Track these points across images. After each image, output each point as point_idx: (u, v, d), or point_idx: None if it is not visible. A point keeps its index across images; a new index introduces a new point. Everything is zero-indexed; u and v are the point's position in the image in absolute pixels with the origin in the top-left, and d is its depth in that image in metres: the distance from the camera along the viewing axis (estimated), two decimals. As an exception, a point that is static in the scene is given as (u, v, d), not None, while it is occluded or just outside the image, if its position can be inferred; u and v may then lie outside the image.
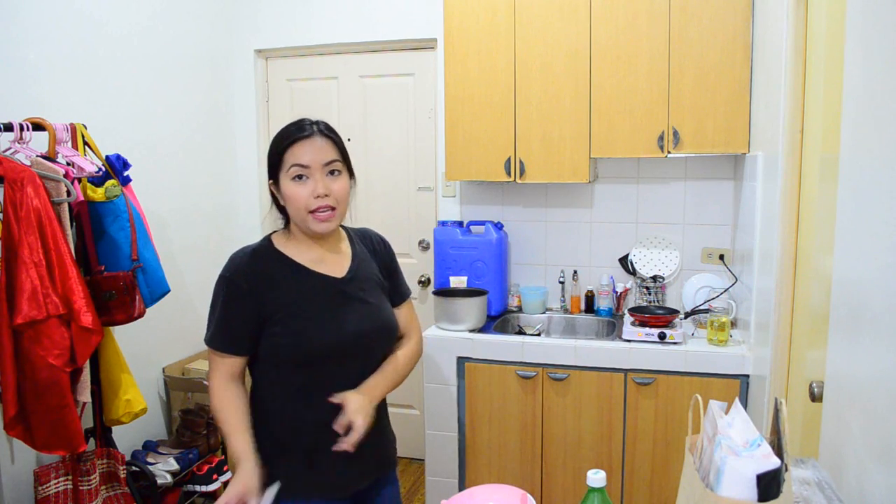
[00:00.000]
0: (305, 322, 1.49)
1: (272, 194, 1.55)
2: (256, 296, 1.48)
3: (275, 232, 1.60)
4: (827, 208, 1.60)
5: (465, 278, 3.06)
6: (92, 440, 2.50)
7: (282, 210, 1.57)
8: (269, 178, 1.53)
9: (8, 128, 2.19)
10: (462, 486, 2.84)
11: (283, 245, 1.56)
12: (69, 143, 2.35)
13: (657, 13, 2.68)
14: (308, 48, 3.55)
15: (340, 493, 1.57)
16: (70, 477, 2.36)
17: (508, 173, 2.93)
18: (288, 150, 1.48)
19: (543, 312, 3.13)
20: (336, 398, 1.49)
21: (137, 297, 2.39)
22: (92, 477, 2.38)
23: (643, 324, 2.68)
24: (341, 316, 1.53)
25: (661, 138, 2.72)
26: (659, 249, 3.09)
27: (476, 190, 3.31)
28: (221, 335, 1.51)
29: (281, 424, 1.52)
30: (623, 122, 2.76)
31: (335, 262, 1.59)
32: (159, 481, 2.64)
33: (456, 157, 2.99)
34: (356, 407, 1.48)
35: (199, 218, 3.39)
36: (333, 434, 1.47)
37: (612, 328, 2.95)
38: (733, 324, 2.71)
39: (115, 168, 2.47)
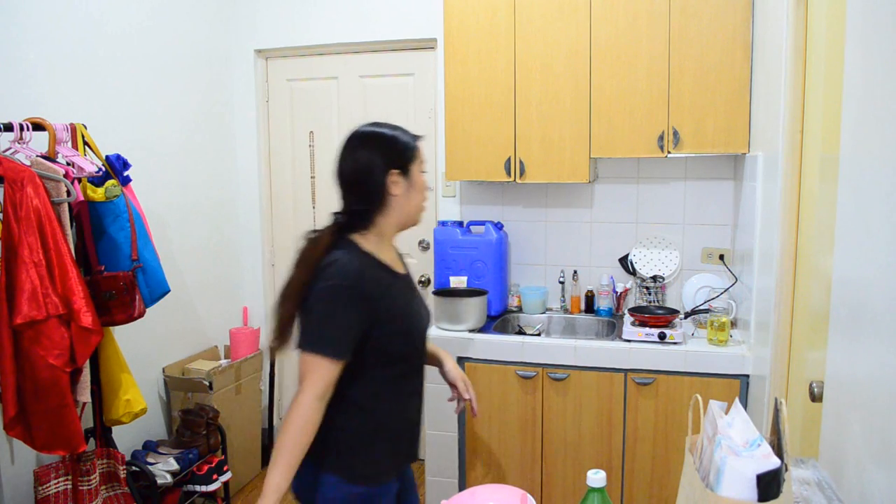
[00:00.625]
0: (407, 321, 1.61)
1: (385, 186, 1.55)
2: (371, 302, 1.50)
3: (350, 235, 1.57)
4: (827, 208, 1.60)
5: (465, 278, 3.06)
6: (92, 440, 2.50)
7: (373, 207, 1.56)
8: (396, 168, 1.55)
9: (8, 128, 2.19)
10: (462, 486, 2.84)
11: (372, 248, 1.58)
12: (69, 143, 2.35)
13: (657, 13, 2.68)
14: (308, 48, 3.55)
15: (404, 468, 1.73)
16: (70, 477, 2.36)
17: (508, 173, 2.93)
18: (418, 148, 1.62)
19: (543, 312, 3.13)
20: (453, 378, 1.83)
21: (137, 297, 2.39)
22: (92, 477, 2.38)
23: (643, 324, 2.68)
24: (420, 310, 1.69)
25: (661, 138, 2.72)
26: (659, 249, 3.09)
27: (476, 190, 3.31)
28: (341, 343, 1.49)
29: (372, 418, 1.59)
30: (623, 122, 2.76)
31: (396, 260, 1.69)
32: (159, 481, 2.64)
33: (456, 157, 2.99)
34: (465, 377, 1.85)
35: (198, 218, 3.39)
36: (410, 418, 1.68)
37: (612, 328, 2.95)
38: (733, 324, 2.71)
39: (115, 168, 2.47)
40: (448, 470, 2.85)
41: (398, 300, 1.59)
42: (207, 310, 3.45)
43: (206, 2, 3.42)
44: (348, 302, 1.48)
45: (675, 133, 2.70)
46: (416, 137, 1.62)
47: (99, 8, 2.77)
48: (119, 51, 2.87)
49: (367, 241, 1.57)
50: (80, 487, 2.36)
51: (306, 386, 1.48)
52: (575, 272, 3.16)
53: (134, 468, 2.62)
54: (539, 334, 2.89)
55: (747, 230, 2.57)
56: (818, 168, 1.86)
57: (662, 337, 2.58)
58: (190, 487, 2.82)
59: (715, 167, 2.99)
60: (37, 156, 2.20)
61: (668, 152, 2.72)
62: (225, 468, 2.96)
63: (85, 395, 2.21)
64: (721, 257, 3.00)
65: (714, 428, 1.08)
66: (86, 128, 2.44)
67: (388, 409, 1.61)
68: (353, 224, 1.57)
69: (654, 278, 3.00)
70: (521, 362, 2.71)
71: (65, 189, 2.18)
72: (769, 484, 0.99)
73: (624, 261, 3.09)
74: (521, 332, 2.95)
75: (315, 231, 1.60)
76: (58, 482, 2.34)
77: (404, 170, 1.56)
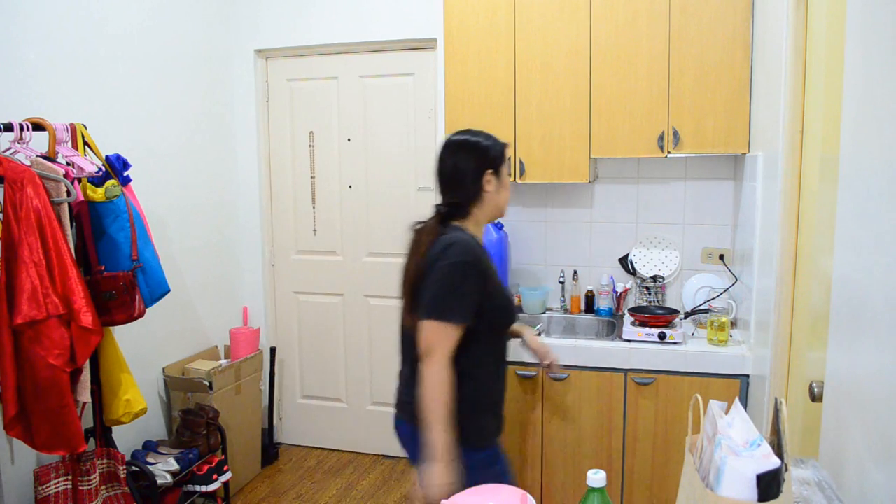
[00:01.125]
0: (506, 296, 1.85)
1: (481, 184, 1.80)
2: (485, 277, 1.75)
3: (453, 222, 1.81)
4: (827, 208, 1.60)
5: (465, 278, 3.06)
6: (92, 440, 2.50)
7: (470, 200, 1.81)
8: (489, 168, 1.81)
9: (8, 128, 2.19)
10: (462, 486, 2.83)
11: (474, 233, 1.83)
12: (69, 143, 2.35)
13: (657, 13, 2.68)
14: (308, 48, 3.55)
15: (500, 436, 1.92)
16: (70, 477, 2.36)
17: (508, 173, 2.92)
18: (507, 153, 1.88)
19: (543, 312, 3.13)
20: (535, 346, 2.22)
21: (137, 297, 2.39)
22: (92, 477, 2.38)
23: (643, 324, 2.68)
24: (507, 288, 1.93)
25: (661, 138, 2.72)
26: (659, 249, 3.09)
27: (476, 190, 3.31)
28: (465, 310, 1.70)
29: (478, 387, 1.79)
30: (623, 122, 2.76)
31: None
32: (159, 481, 2.64)
33: (456, 157, 2.99)
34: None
35: (198, 218, 3.39)
36: (502, 388, 1.89)
37: (612, 328, 2.95)
38: (733, 324, 2.71)
39: (115, 168, 2.47)
40: (448, 470, 2.85)
41: (496, 278, 1.82)
42: (207, 310, 3.45)
43: (206, 2, 3.42)
44: (471, 276, 1.70)
45: (675, 133, 2.70)
46: (504, 144, 1.87)
47: (99, 8, 2.77)
48: (119, 51, 2.87)
49: (466, 227, 1.82)
50: (80, 487, 2.36)
51: (437, 352, 1.67)
52: (575, 272, 3.16)
53: (134, 468, 2.62)
54: (539, 334, 2.89)
55: (747, 230, 2.57)
56: (818, 168, 1.86)
57: (662, 337, 2.58)
58: (190, 487, 2.82)
59: (715, 167, 2.99)
60: (37, 156, 2.20)
61: (668, 152, 2.72)
62: (225, 468, 2.96)
63: (85, 395, 2.21)
64: (721, 257, 3.00)
65: (714, 428, 1.08)
66: (86, 128, 2.44)
67: (489, 379, 1.83)
68: (453, 214, 1.81)
69: (654, 278, 3.00)
70: (521, 362, 2.70)
71: (65, 189, 2.18)
72: (769, 484, 0.99)
73: (624, 261, 3.09)
74: (521, 332, 2.94)
75: (420, 222, 1.83)
76: (58, 482, 2.34)
77: (496, 171, 1.82)
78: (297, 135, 3.66)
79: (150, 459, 2.74)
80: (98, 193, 2.34)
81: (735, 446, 1.04)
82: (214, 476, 2.88)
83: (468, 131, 1.87)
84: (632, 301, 3.09)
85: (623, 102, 2.75)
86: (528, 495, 1.17)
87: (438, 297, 1.68)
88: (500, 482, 1.57)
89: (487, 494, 1.22)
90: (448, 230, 1.77)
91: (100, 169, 2.37)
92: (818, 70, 1.86)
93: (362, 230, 3.60)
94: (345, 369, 3.73)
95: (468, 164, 1.80)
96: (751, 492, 0.99)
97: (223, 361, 3.31)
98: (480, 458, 1.77)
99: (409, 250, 1.80)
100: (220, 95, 3.55)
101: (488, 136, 1.85)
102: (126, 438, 2.78)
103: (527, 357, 2.68)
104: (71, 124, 2.38)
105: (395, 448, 3.72)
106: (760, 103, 2.47)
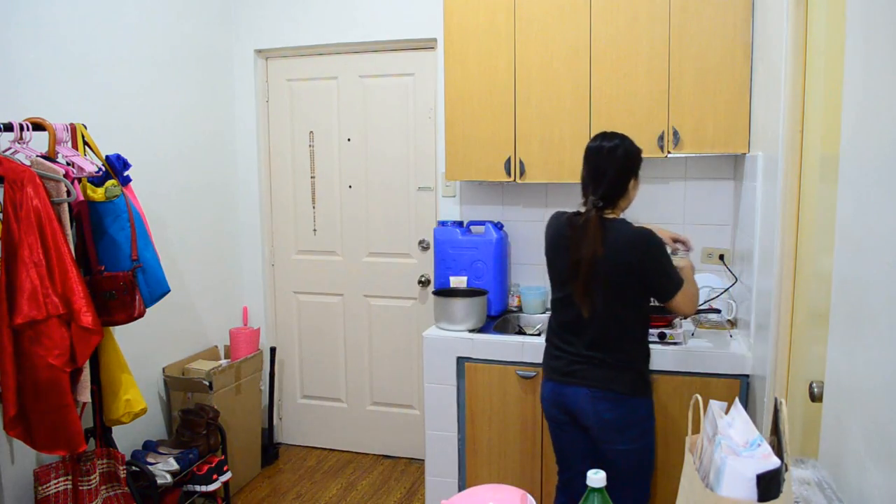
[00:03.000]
0: None
1: (629, 183, 2.16)
2: None
3: (605, 213, 2.12)
4: (827, 208, 1.60)
5: (465, 278, 3.06)
6: (92, 440, 2.50)
7: (620, 196, 2.15)
8: (638, 171, 2.18)
9: (8, 128, 2.19)
10: (462, 486, 2.84)
11: None
12: (69, 143, 2.35)
13: (657, 13, 2.68)
14: (308, 48, 3.55)
15: None
16: (70, 477, 2.36)
17: (508, 173, 2.92)
18: None
19: (543, 312, 3.13)
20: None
21: (137, 297, 2.39)
22: (92, 477, 2.38)
23: (643, 324, 2.67)
24: None
25: (661, 138, 2.72)
26: (659, 249, 3.09)
27: (476, 190, 3.31)
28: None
29: (646, 344, 2.23)
30: (623, 122, 2.76)
31: None
32: (159, 481, 2.65)
33: (456, 157, 2.99)
34: None
35: (199, 218, 3.39)
36: None
37: (612, 328, 2.94)
38: (733, 324, 2.71)
39: (115, 168, 2.47)
40: (448, 470, 2.85)
41: None
42: (207, 310, 3.46)
43: (206, 2, 3.42)
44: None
45: (675, 133, 2.70)
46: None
47: (99, 8, 2.77)
48: (119, 51, 2.87)
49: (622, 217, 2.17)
50: (80, 487, 2.36)
51: (691, 307, 2.21)
52: (575, 272, 3.15)
53: (134, 468, 2.62)
54: (539, 334, 2.89)
55: (747, 230, 2.57)
56: (818, 168, 1.86)
57: (662, 337, 2.58)
58: (190, 487, 2.82)
59: (715, 167, 2.99)
60: (37, 156, 2.20)
61: (669, 152, 2.72)
62: (225, 468, 2.96)
63: (85, 395, 2.21)
64: (721, 257, 3.00)
65: (714, 428, 1.08)
66: (86, 128, 2.44)
67: (647, 337, 2.23)
68: (605, 206, 2.12)
69: (654, 278, 3.00)
70: (521, 362, 2.70)
71: (65, 189, 2.18)
72: (769, 484, 0.99)
73: (624, 261, 3.08)
74: (521, 332, 2.94)
75: (578, 214, 2.16)
76: (58, 482, 2.34)
77: (637, 173, 2.19)
78: (297, 135, 3.66)
79: (150, 459, 2.74)
80: (98, 193, 2.34)
81: (735, 446, 1.04)
82: (214, 476, 2.88)
83: (619, 135, 2.16)
84: (632, 301, 3.08)
85: (623, 102, 2.75)
86: (528, 495, 1.18)
87: (670, 278, 2.12)
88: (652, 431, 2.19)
89: (487, 494, 1.22)
90: (610, 221, 2.10)
91: (100, 169, 2.37)
92: (818, 70, 1.86)
93: (362, 230, 3.60)
94: (345, 369, 3.73)
95: (627, 167, 2.15)
96: (751, 492, 0.99)
97: (223, 361, 3.31)
98: (651, 404, 2.18)
99: (586, 238, 2.08)
100: (220, 95, 3.55)
101: (633, 142, 2.18)
102: (126, 438, 2.78)
103: (527, 357, 2.69)
104: (71, 124, 2.38)
105: (395, 448, 3.74)
106: (760, 103, 2.46)
